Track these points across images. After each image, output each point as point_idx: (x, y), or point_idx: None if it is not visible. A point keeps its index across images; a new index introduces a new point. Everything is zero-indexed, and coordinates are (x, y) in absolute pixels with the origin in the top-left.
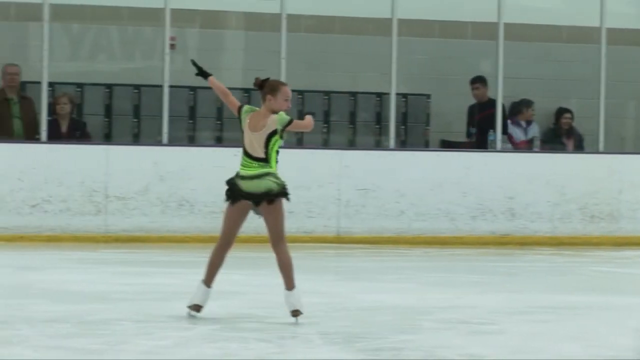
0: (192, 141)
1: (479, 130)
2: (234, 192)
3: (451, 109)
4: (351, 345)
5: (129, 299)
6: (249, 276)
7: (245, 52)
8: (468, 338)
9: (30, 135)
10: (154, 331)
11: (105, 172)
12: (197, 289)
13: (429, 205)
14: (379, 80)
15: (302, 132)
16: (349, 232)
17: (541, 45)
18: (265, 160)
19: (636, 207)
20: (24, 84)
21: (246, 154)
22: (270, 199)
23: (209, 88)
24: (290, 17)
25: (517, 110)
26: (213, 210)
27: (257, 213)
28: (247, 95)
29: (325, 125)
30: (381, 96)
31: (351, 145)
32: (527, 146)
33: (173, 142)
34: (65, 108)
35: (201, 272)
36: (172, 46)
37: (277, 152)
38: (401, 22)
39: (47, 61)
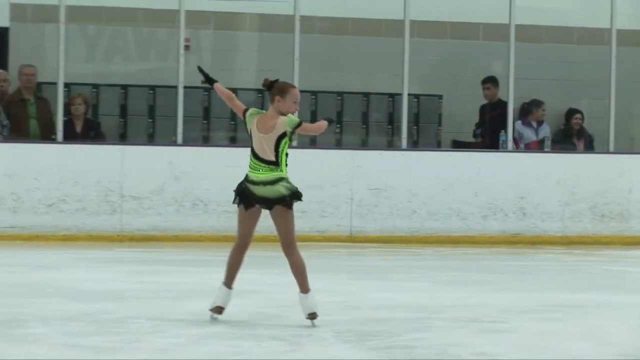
0: (206, 141)
1: (489, 131)
2: (246, 197)
3: (463, 110)
4: (364, 343)
5: (144, 298)
6: (263, 275)
7: (258, 53)
8: (479, 336)
9: (46, 135)
10: (168, 329)
11: (120, 172)
12: (219, 290)
13: (441, 205)
14: (391, 81)
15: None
16: (362, 232)
17: (552, 47)
18: (276, 164)
19: None
20: (40, 85)
21: (255, 156)
22: (282, 204)
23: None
24: (303, 18)
25: (528, 110)
26: (227, 209)
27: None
28: (260, 95)
29: (338, 125)
30: (393, 97)
31: (364, 145)
32: (538, 146)
33: (187, 142)
34: (79, 109)
35: (215, 271)
36: (187, 47)
37: (287, 154)
38: (413, 23)
39: (63, 62)
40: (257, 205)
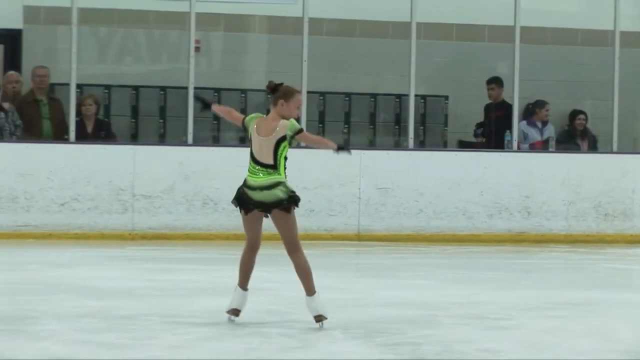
0: (216, 141)
1: (494, 131)
2: (244, 201)
3: (469, 110)
4: (371, 340)
5: (155, 295)
6: (272, 273)
7: (268, 54)
8: (485, 333)
9: (59, 135)
10: (179, 326)
11: (131, 172)
12: (234, 292)
13: (447, 204)
14: (398, 82)
15: (322, 134)
16: (369, 230)
17: (556, 48)
18: (274, 167)
19: None
20: (53, 86)
21: (254, 160)
22: (280, 208)
23: (234, 90)
24: (312, 20)
25: (532, 111)
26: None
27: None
28: (269, 97)
29: (346, 126)
30: (400, 97)
31: (371, 145)
32: (542, 146)
33: (198, 142)
34: (90, 109)
35: (225, 269)
36: (197, 49)
37: (286, 158)
38: (420, 25)
39: (75, 63)
40: (256, 210)
